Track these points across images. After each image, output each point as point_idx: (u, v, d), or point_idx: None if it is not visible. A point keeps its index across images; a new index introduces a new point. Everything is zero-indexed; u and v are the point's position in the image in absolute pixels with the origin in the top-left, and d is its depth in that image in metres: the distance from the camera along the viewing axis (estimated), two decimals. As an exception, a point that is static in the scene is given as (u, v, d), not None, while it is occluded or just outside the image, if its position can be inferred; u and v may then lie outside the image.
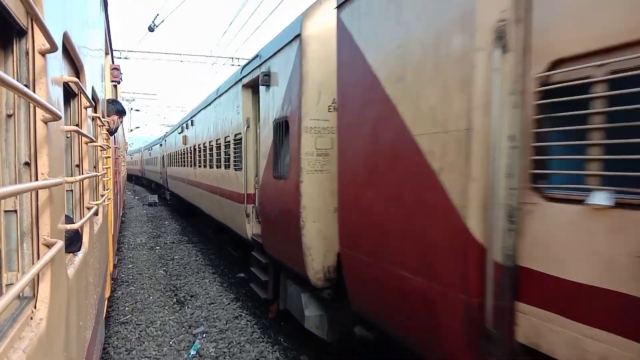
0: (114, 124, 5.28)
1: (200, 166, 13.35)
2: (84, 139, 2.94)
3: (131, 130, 47.07)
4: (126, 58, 24.31)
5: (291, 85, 5.66)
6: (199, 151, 13.42)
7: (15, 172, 1.51)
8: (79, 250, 2.46)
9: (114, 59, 7.83)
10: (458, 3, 2.89)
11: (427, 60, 3.18)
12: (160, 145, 27.66)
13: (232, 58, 25.45)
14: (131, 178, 52.60)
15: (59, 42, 1.73)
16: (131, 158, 51.61)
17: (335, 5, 4.48)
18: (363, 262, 4.08)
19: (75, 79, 2.22)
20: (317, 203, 5.36)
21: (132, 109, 44.88)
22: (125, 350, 6.57)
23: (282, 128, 6.04)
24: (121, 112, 5.49)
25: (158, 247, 14.23)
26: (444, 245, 3.03)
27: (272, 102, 6.47)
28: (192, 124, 15.29)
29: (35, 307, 1.46)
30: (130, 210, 25.55)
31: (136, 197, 36.31)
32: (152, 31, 19.09)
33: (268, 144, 6.67)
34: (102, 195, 4.14)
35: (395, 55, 3.52)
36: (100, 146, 4.05)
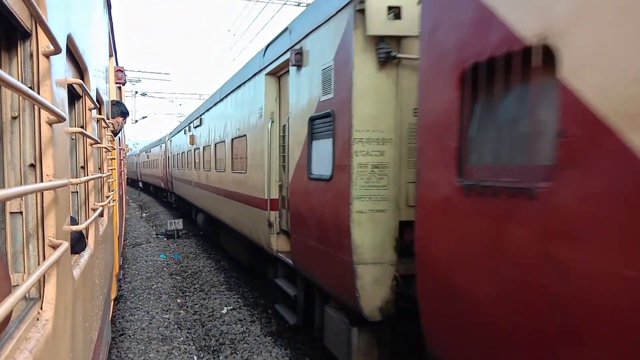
0: (118, 125, 5.33)
1: None
2: (89, 140, 2.95)
3: (136, 121, 32.90)
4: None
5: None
6: None
7: (20, 173, 1.52)
8: (84, 249, 2.47)
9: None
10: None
11: None
12: (236, 87, 8.86)
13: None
14: (148, 188, 36.08)
15: (62, 44, 1.74)
16: (147, 157, 33.71)
17: None
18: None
19: (80, 81, 2.23)
20: None
21: (136, 92, 31.90)
22: None
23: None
24: (125, 114, 5.56)
25: None
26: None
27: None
28: None
29: (41, 308, 1.46)
30: (135, 253, 12.90)
31: (144, 215, 22.26)
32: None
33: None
34: (107, 197, 4.16)
35: None
36: (105, 148, 4.06)
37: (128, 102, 27.74)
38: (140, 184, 40.57)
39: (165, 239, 15.53)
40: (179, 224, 15.61)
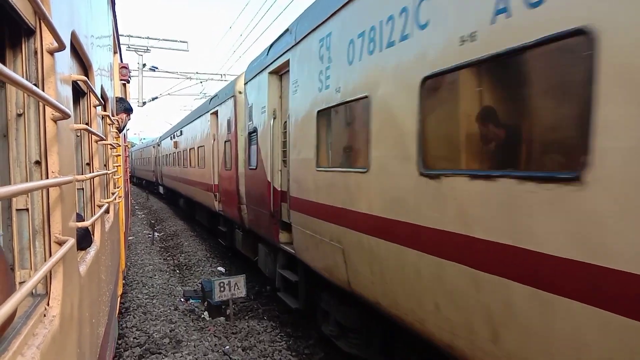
0: (122, 122, 5.35)
1: None
2: (94, 137, 2.96)
3: (144, 103, 24.94)
4: None
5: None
6: None
7: (26, 170, 1.53)
8: (90, 246, 2.48)
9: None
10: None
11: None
12: None
13: None
14: (174, 200, 22.55)
15: (67, 41, 1.74)
16: (175, 146, 19.63)
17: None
18: None
19: (84, 78, 2.23)
20: None
21: (144, 65, 24.38)
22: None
23: None
24: (129, 110, 5.59)
25: None
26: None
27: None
28: None
29: (48, 305, 1.47)
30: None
31: (157, 236, 14.75)
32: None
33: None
34: (113, 193, 4.18)
35: None
36: (110, 144, 4.07)
37: (133, 79, 23.30)
38: (161, 189, 26.85)
39: (207, 316, 7.43)
40: (238, 288, 6.91)
